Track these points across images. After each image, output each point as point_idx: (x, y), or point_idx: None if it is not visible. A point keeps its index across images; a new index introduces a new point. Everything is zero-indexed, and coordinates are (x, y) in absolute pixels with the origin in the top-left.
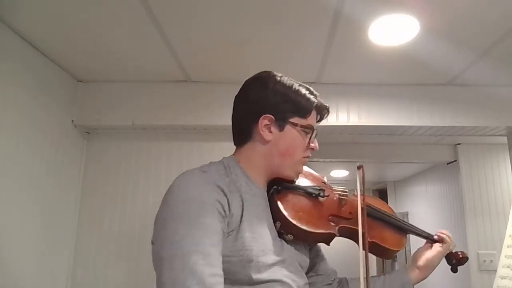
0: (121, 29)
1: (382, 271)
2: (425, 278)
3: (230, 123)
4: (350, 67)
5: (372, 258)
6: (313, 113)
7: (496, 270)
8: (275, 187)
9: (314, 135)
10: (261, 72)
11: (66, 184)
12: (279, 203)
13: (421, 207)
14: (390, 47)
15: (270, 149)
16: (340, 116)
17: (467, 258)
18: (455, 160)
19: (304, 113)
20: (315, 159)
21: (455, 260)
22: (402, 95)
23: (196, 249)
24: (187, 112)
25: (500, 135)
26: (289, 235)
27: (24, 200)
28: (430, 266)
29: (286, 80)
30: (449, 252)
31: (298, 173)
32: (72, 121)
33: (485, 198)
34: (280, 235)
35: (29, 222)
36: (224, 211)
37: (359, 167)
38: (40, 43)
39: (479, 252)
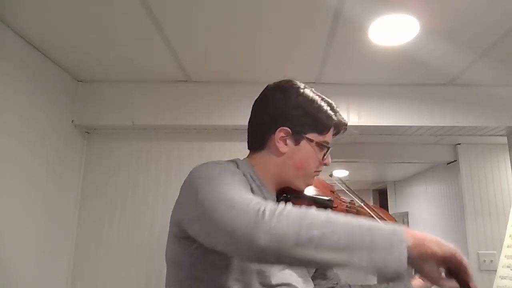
0: (121, 29)
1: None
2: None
3: (231, 123)
4: (350, 67)
5: None
6: (331, 130)
7: (496, 270)
8: (285, 195)
9: (328, 152)
10: (284, 80)
11: (66, 184)
12: None
13: (421, 207)
14: (390, 47)
15: (285, 161)
16: None
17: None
18: (455, 160)
19: (322, 131)
20: None
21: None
22: (402, 95)
23: (233, 187)
24: (187, 112)
25: (500, 135)
26: None
27: (24, 200)
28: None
29: (309, 92)
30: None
31: (309, 185)
32: (72, 121)
33: (485, 198)
34: None
35: (29, 222)
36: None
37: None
38: (40, 43)
39: (479, 252)
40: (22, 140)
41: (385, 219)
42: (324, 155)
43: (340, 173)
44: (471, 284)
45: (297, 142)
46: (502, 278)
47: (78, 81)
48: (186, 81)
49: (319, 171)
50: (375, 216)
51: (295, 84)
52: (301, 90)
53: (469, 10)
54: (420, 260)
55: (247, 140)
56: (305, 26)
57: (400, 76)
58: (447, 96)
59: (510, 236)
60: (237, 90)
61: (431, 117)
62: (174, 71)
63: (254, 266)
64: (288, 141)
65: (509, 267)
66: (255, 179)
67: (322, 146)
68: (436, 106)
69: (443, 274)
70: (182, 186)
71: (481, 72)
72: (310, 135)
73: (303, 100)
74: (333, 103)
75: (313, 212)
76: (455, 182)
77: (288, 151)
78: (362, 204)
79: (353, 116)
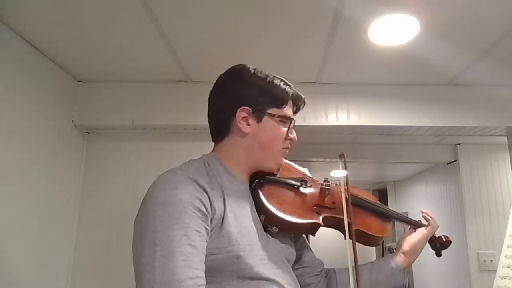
0: (121, 29)
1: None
2: (411, 263)
3: None
4: (350, 67)
5: (373, 249)
6: (290, 103)
7: (496, 270)
8: (257, 180)
9: (292, 125)
10: (235, 65)
11: (66, 184)
12: (262, 196)
13: (421, 207)
14: (390, 47)
15: (250, 142)
16: (340, 116)
17: (450, 242)
18: (455, 160)
19: (281, 104)
20: (315, 159)
21: (439, 244)
22: (402, 95)
23: (176, 250)
24: (187, 112)
25: (500, 135)
26: (274, 227)
27: (24, 200)
28: (415, 251)
29: (261, 72)
30: (433, 237)
31: (279, 164)
32: (72, 121)
33: (485, 198)
34: (265, 228)
35: (29, 222)
36: (206, 208)
37: (341, 155)
38: (40, 43)
39: (479, 252)
40: (22, 140)
41: (365, 199)
42: (288, 129)
43: (340, 173)
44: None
45: (259, 120)
46: (502, 278)
47: (78, 81)
48: (186, 81)
49: (287, 148)
50: (346, 196)
51: (246, 66)
52: (253, 71)
53: (469, 10)
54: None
55: (210, 133)
56: (305, 26)
57: (400, 76)
58: (447, 96)
59: (510, 236)
60: None
61: (431, 117)
62: (174, 71)
63: (235, 258)
64: (250, 121)
65: (509, 267)
66: (223, 173)
67: (284, 120)
68: (436, 106)
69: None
70: (143, 198)
71: (481, 72)
72: (271, 111)
73: (256, 79)
74: (285, 79)
75: None
76: (455, 182)
77: (252, 131)
78: (340, 184)
79: (353, 116)
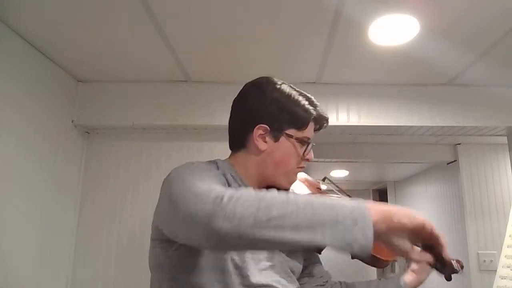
0: (121, 29)
1: (381, 274)
2: (421, 283)
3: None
4: (350, 67)
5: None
6: (311, 124)
7: (496, 270)
8: None
9: (310, 147)
10: (261, 77)
11: (66, 184)
12: None
13: (421, 207)
14: (390, 47)
15: (264, 159)
16: (340, 116)
17: (462, 267)
18: (455, 160)
19: (301, 126)
20: (315, 159)
21: (451, 269)
22: (402, 95)
23: (207, 177)
24: (187, 112)
25: (500, 135)
26: None
27: (24, 200)
28: (425, 269)
29: (286, 88)
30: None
31: (292, 182)
32: (72, 121)
33: (485, 198)
34: None
35: (29, 222)
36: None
37: (324, 179)
38: (40, 43)
39: (479, 252)
40: (21, 140)
41: None
42: (305, 150)
43: (340, 173)
44: (444, 255)
45: (276, 139)
46: (502, 278)
47: (78, 81)
48: (186, 81)
49: (302, 167)
50: None
51: (272, 80)
52: (278, 86)
53: (469, 10)
54: (388, 234)
55: (228, 140)
56: (305, 26)
57: (400, 76)
58: (447, 96)
59: (510, 236)
60: (237, 90)
61: (431, 117)
62: (174, 71)
63: (234, 267)
64: (267, 139)
65: (509, 267)
66: (236, 178)
67: (302, 141)
68: (436, 106)
69: (418, 249)
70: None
71: (481, 72)
72: (289, 131)
73: (279, 95)
74: (312, 98)
75: (273, 193)
76: (455, 182)
77: (267, 149)
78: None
79: (353, 116)
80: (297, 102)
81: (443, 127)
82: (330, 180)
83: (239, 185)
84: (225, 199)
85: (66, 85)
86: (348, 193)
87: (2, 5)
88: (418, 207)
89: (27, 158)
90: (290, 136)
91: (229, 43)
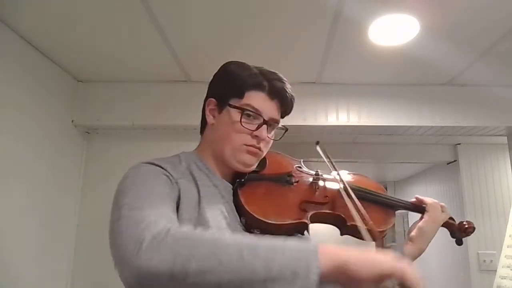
0: (121, 29)
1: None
2: (421, 251)
3: None
4: (350, 67)
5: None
6: (256, 93)
7: (496, 270)
8: (238, 179)
9: (261, 120)
10: None
11: (66, 184)
12: (241, 197)
13: None
14: (390, 47)
15: (212, 134)
16: (340, 116)
17: (474, 228)
18: (455, 160)
19: (241, 91)
20: (315, 159)
21: (459, 232)
22: (402, 95)
23: (144, 204)
24: (187, 112)
25: (500, 135)
26: (256, 230)
27: (24, 200)
28: (422, 236)
29: (239, 63)
30: (450, 223)
31: (243, 163)
32: (72, 121)
33: (485, 198)
34: (248, 230)
35: (29, 222)
36: (171, 181)
37: (317, 143)
38: (40, 43)
39: (479, 252)
40: (22, 140)
41: (361, 189)
42: (259, 127)
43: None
44: None
45: (220, 111)
46: (502, 278)
47: (78, 81)
48: (186, 81)
49: (252, 146)
50: (346, 185)
51: (235, 61)
52: (235, 62)
53: (469, 10)
54: (344, 284)
55: None
56: (305, 26)
57: (400, 76)
58: (447, 96)
59: (510, 236)
60: None
61: (431, 117)
62: (174, 71)
63: None
64: (215, 113)
65: (509, 267)
66: (202, 167)
67: (243, 110)
68: (436, 106)
69: None
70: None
71: (481, 72)
72: (232, 101)
73: (226, 67)
74: (269, 69)
75: (201, 237)
76: (455, 182)
77: (215, 122)
78: (335, 174)
79: (353, 116)
80: (241, 71)
81: (443, 127)
82: (323, 148)
83: (206, 174)
84: (146, 243)
85: (66, 85)
86: (337, 167)
87: (2, 5)
88: None
89: (27, 158)
90: (231, 106)
91: (229, 43)
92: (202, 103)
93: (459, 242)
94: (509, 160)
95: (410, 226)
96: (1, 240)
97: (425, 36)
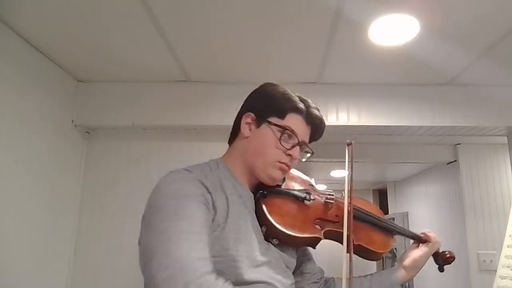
0: (121, 29)
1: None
2: (411, 278)
3: (231, 123)
4: (350, 67)
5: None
6: (296, 117)
7: (496, 270)
8: (261, 191)
9: (294, 141)
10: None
11: (66, 184)
12: (264, 207)
13: (421, 207)
14: (390, 47)
15: (246, 145)
16: (340, 116)
17: (453, 258)
18: (455, 160)
19: (281, 113)
20: (315, 159)
21: (442, 260)
22: (402, 95)
23: (182, 236)
24: (187, 112)
25: (500, 135)
26: (274, 239)
27: (24, 200)
28: (416, 266)
29: (281, 87)
30: (436, 252)
31: (272, 178)
32: (72, 121)
33: (485, 198)
34: (266, 239)
35: (29, 222)
36: (209, 204)
37: (348, 144)
38: (40, 43)
39: (479, 252)
40: (22, 140)
41: (368, 213)
42: (293, 147)
43: (340, 173)
44: None
45: (258, 125)
46: (502, 278)
47: (78, 81)
48: (186, 81)
49: (283, 163)
50: (348, 209)
51: (273, 83)
52: (274, 84)
53: (469, 10)
54: None
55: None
56: (305, 26)
57: (400, 76)
58: (447, 96)
59: (510, 236)
60: (237, 90)
61: (431, 117)
62: (174, 71)
63: (228, 263)
64: (252, 126)
65: (509, 267)
66: (229, 177)
67: (283, 130)
68: (436, 106)
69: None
70: (148, 198)
71: (481, 72)
72: (271, 119)
73: (271, 89)
74: (306, 98)
75: None
76: (455, 182)
77: (250, 135)
78: (344, 197)
79: (353, 116)
80: (281, 92)
81: (443, 127)
82: (351, 150)
83: (233, 184)
84: None
85: (66, 85)
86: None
87: (2, 5)
88: (418, 207)
89: (27, 158)
90: (270, 123)
91: (229, 43)
92: (202, 103)
93: (441, 269)
94: (509, 160)
95: (402, 253)
96: (1, 240)
97: (425, 36)
